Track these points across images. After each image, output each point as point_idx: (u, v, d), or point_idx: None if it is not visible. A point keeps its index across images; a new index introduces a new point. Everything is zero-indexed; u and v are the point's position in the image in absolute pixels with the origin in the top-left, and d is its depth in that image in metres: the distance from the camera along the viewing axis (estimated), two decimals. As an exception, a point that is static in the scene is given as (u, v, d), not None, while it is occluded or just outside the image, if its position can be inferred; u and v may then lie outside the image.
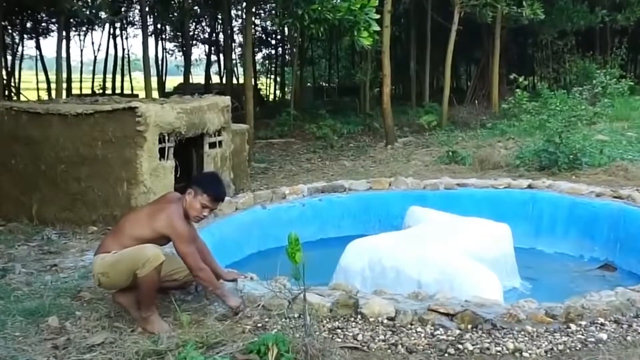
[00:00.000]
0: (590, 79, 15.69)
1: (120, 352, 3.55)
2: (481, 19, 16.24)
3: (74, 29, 24.97)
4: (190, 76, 23.33)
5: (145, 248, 3.85)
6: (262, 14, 26.07)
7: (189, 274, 4.07)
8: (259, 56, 31.39)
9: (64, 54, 16.97)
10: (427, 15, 20.87)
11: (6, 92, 18.33)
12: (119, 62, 27.98)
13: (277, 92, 31.79)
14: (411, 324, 3.84)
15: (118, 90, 27.21)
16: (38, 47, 24.49)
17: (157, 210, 4.07)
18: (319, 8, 9.74)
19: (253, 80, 18.72)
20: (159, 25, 26.38)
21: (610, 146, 10.32)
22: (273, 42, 31.03)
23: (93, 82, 28.22)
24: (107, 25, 25.08)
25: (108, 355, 3.53)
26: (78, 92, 25.67)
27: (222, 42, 26.42)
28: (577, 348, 3.53)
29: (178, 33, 27.66)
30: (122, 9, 21.77)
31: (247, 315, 3.99)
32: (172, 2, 21.89)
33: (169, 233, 3.95)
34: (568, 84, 20.49)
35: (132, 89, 29.38)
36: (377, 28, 10.50)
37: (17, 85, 23.22)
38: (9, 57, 22.39)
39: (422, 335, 3.72)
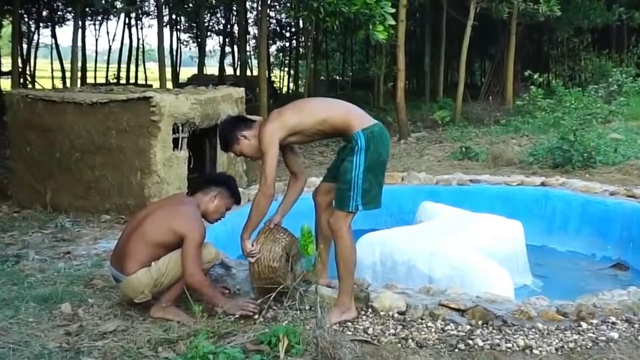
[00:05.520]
0: (606, 77, 15.55)
1: (132, 340, 3.57)
2: (497, 14, 16.16)
3: (89, 18, 25.07)
4: (204, 67, 23.36)
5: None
6: (277, 6, 26.04)
7: (208, 262, 4.06)
8: (273, 48, 31.41)
9: (79, 43, 17.03)
10: (443, 11, 20.78)
11: (21, 80, 18.44)
12: (134, 52, 28.07)
13: (291, 84, 31.76)
14: (422, 319, 3.85)
15: (132, 80, 27.30)
16: (54, 35, 24.64)
17: (176, 213, 4.02)
18: (335, 1, 9.70)
19: (267, 72, 18.70)
20: (174, 16, 26.40)
21: (625, 145, 10.24)
22: (287, 34, 31.02)
23: (107, 71, 28.33)
24: (122, 15, 25.15)
25: (120, 342, 3.55)
26: (92, 81, 25.76)
27: (236, 34, 26.46)
28: (588, 346, 3.52)
29: (193, 24, 27.70)
30: (138, -1, 21.82)
31: (256, 311, 4.00)
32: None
33: (184, 231, 3.88)
34: (583, 82, 20.35)
35: (146, 79, 29.48)
36: (393, 22, 10.48)
37: (32, 73, 23.36)
38: (25, 46, 22.51)
39: (433, 330, 3.72)
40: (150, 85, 20.80)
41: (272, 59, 30.80)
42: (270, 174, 3.76)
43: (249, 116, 4.51)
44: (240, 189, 6.19)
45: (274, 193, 3.87)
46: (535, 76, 11.51)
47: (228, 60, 30.68)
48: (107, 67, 28.70)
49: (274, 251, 3.96)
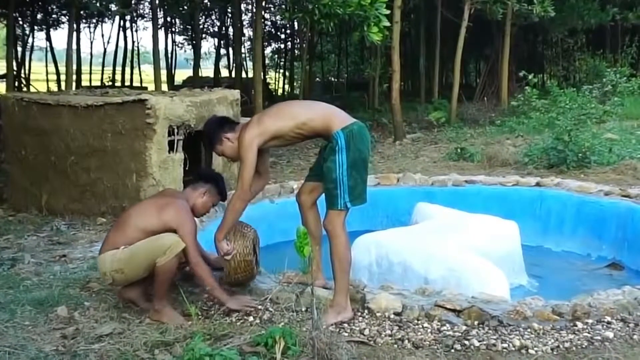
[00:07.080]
0: (600, 77, 15.60)
1: (128, 343, 3.57)
2: (491, 15, 16.18)
3: (84, 21, 24.98)
4: (199, 69, 23.29)
5: (165, 237, 3.90)
6: (272, 8, 26.04)
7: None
8: (268, 50, 31.36)
9: (74, 46, 16.94)
10: (437, 12, 20.80)
11: (16, 83, 18.39)
12: (129, 54, 28.00)
13: (286, 86, 31.73)
14: (418, 320, 3.86)
15: (127, 83, 27.23)
16: (48, 38, 24.52)
17: (165, 205, 4.09)
18: (329, 3, 9.71)
19: (262, 74, 18.66)
20: (169, 18, 26.37)
21: (619, 145, 10.27)
22: (282, 36, 30.98)
23: (102, 74, 28.25)
24: (117, 18, 25.12)
25: (116, 345, 3.55)
26: (87, 84, 25.69)
27: (231, 36, 26.42)
28: (584, 346, 3.54)
29: (188, 26, 27.65)
30: (133, 2, 21.77)
31: (258, 308, 4.02)
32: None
33: (176, 225, 3.95)
34: (578, 82, 20.41)
35: (141, 82, 29.39)
36: (387, 23, 10.48)
37: (27, 76, 23.27)
38: (20, 49, 22.45)
39: (429, 330, 3.73)
40: (145, 88, 20.76)
41: (267, 61, 30.74)
42: (247, 180, 3.93)
43: (233, 118, 4.58)
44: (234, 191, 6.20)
45: (249, 197, 4.09)
46: (530, 77, 11.53)
47: (223, 62, 30.63)
48: (102, 70, 28.59)
49: (246, 246, 4.12)
